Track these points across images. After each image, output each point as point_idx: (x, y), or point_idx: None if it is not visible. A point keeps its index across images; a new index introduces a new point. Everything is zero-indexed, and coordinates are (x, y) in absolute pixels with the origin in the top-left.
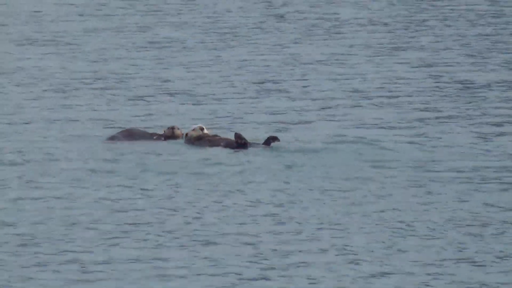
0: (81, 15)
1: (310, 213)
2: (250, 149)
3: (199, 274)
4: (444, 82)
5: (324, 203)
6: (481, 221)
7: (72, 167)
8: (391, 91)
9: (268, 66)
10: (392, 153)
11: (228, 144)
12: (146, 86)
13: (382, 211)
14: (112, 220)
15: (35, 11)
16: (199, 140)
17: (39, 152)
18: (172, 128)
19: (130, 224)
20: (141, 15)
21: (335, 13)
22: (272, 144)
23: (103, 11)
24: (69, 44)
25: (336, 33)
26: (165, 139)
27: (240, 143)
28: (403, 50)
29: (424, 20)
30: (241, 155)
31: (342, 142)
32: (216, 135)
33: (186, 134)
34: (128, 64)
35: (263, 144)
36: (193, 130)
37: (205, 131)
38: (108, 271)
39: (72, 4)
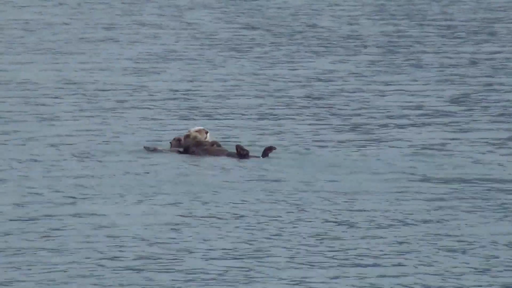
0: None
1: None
2: (250, 161)
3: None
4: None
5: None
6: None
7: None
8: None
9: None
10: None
11: (229, 155)
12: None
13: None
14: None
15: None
16: (198, 145)
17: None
18: (179, 139)
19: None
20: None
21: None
22: (270, 154)
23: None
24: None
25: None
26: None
27: (241, 154)
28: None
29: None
30: (238, 165)
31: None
32: (215, 142)
33: (188, 135)
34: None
35: (261, 156)
36: (197, 131)
37: (208, 136)
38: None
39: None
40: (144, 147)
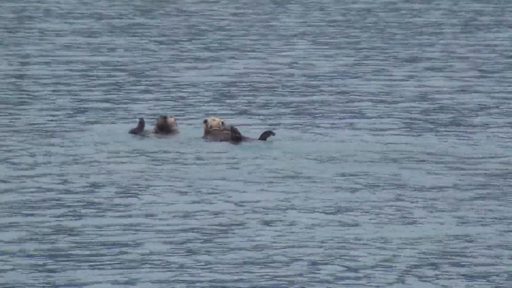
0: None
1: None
2: (245, 144)
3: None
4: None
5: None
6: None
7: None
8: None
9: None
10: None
11: (225, 139)
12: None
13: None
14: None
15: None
16: (208, 133)
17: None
18: (164, 117)
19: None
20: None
21: None
22: (268, 138)
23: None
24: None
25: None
26: (158, 128)
27: (234, 137)
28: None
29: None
30: (231, 149)
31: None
32: (226, 129)
33: (205, 121)
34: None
35: (259, 139)
36: (213, 120)
37: (221, 125)
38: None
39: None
40: (130, 132)
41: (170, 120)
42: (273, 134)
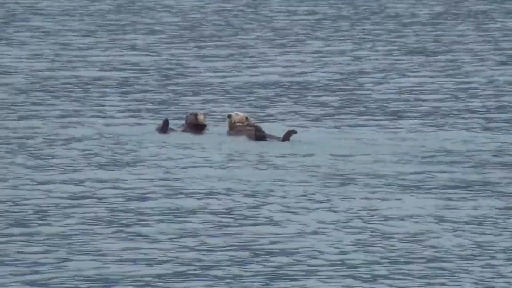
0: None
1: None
2: (269, 143)
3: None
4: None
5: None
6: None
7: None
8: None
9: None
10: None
11: (248, 135)
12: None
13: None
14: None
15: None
16: (232, 128)
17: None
18: (195, 114)
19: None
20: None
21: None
22: (291, 138)
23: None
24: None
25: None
26: (189, 125)
27: (258, 136)
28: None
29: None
30: (255, 147)
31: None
32: (250, 125)
33: (230, 116)
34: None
35: (282, 139)
36: (237, 114)
37: (245, 120)
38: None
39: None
40: (156, 129)
41: (201, 117)
42: (295, 132)
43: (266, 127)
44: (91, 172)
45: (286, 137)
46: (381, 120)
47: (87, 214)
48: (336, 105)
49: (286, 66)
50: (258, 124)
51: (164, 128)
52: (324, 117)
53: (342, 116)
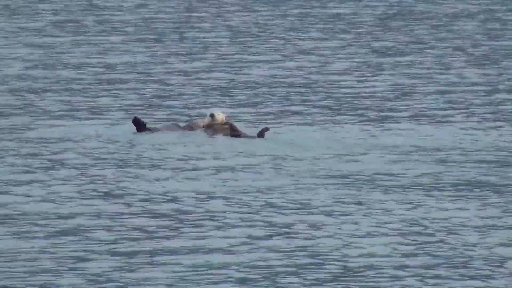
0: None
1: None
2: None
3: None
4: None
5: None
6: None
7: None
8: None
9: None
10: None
11: (225, 134)
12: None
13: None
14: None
15: None
16: (209, 127)
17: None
18: (212, 115)
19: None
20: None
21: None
22: (265, 134)
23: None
24: None
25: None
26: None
27: (233, 135)
28: None
29: None
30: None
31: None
32: (227, 124)
33: (213, 115)
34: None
35: (257, 136)
36: (218, 114)
37: (223, 119)
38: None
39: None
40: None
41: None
42: (268, 129)
43: (241, 126)
44: (90, 172)
45: (261, 134)
46: (368, 121)
47: (82, 215)
48: (323, 105)
49: (271, 68)
50: (234, 123)
51: (139, 128)
52: (313, 117)
53: (330, 117)
